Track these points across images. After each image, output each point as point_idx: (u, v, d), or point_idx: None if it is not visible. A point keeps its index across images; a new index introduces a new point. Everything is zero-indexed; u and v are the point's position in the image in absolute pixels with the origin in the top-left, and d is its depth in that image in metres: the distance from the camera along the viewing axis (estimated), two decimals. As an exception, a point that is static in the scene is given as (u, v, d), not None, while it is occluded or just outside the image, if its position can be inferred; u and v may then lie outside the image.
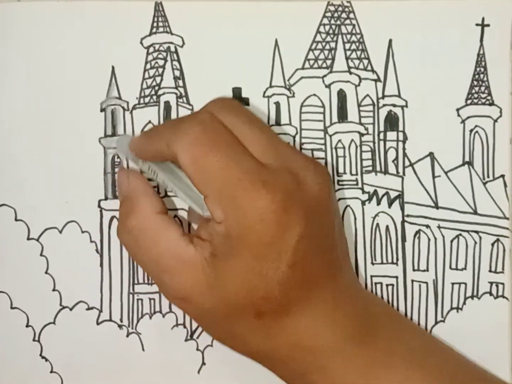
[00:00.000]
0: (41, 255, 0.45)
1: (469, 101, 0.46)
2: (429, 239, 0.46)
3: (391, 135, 0.46)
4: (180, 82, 0.46)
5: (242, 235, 0.37)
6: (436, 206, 0.46)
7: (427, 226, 0.46)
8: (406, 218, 0.46)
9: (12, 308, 0.45)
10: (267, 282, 0.37)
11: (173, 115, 0.46)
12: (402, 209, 0.46)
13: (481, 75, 0.46)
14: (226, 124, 0.39)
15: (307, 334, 0.39)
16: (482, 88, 0.46)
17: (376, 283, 0.46)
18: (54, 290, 0.45)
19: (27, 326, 0.45)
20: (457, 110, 0.46)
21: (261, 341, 0.39)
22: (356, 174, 0.46)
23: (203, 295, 0.38)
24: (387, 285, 0.46)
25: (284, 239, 0.37)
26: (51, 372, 0.46)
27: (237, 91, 0.46)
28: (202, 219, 0.41)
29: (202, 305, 0.39)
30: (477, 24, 0.46)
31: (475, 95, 0.46)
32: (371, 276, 0.46)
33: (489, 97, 0.46)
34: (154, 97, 0.46)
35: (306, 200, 0.38)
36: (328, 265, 0.39)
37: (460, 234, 0.46)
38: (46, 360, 0.45)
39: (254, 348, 0.40)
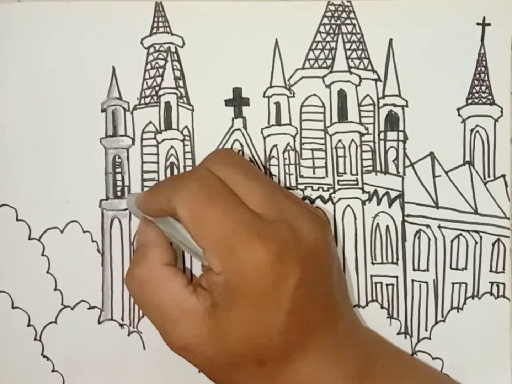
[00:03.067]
0: (42, 255, 0.45)
1: (469, 101, 0.46)
2: (429, 239, 0.46)
3: (392, 135, 0.46)
4: (181, 83, 0.46)
5: (241, 286, 0.38)
6: (437, 206, 0.46)
7: (428, 226, 0.46)
8: (406, 218, 0.46)
9: (13, 307, 0.45)
10: (267, 330, 0.38)
11: (174, 115, 0.46)
12: (403, 209, 0.46)
13: (482, 75, 0.46)
14: (223, 178, 0.40)
15: (309, 379, 0.40)
16: (483, 88, 0.46)
17: (376, 283, 0.46)
18: (55, 289, 0.46)
19: (29, 325, 0.46)
20: (458, 109, 0.46)
21: None
22: (357, 174, 0.46)
23: (204, 345, 0.39)
24: (387, 285, 0.46)
25: (281, 288, 0.38)
26: (53, 371, 0.46)
27: (237, 91, 0.46)
28: (204, 266, 0.42)
29: (204, 354, 0.40)
30: (478, 23, 0.46)
31: (476, 95, 0.46)
32: (371, 276, 0.46)
33: (490, 97, 0.46)
34: (155, 97, 0.46)
35: (301, 249, 0.39)
36: (327, 311, 0.40)
37: (461, 234, 0.46)
38: (48, 359, 0.46)
39: None
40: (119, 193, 0.46)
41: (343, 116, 0.46)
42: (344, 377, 0.40)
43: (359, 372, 0.41)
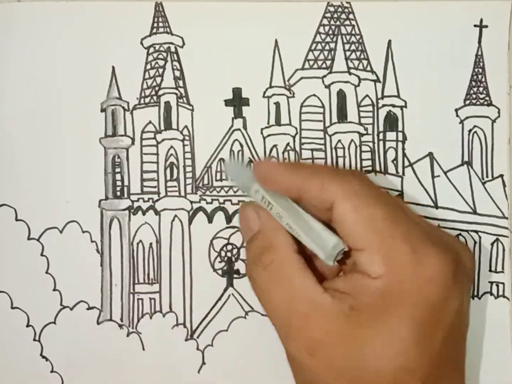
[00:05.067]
0: (41, 255, 0.45)
1: (467, 102, 0.46)
2: (428, 239, 0.46)
3: (391, 135, 0.46)
4: (180, 83, 0.46)
5: (404, 291, 0.34)
6: (436, 206, 0.46)
7: (427, 226, 0.46)
8: (405, 218, 0.46)
9: (12, 308, 0.45)
10: (419, 352, 0.33)
11: (173, 115, 0.46)
12: (402, 209, 0.46)
13: (480, 76, 0.46)
14: None
15: None
16: (481, 89, 0.46)
17: (376, 283, 0.46)
18: (54, 290, 0.45)
19: (28, 326, 0.45)
20: (456, 110, 0.46)
21: None
22: (356, 174, 0.46)
23: (333, 349, 0.34)
24: (387, 285, 0.46)
25: (448, 306, 0.34)
26: (52, 371, 0.45)
27: (237, 91, 0.46)
28: (329, 269, 0.39)
29: (331, 361, 0.34)
30: (475, 25, 0.46)
31: (474, 96, 0.46)
32: (371, 276, 0.46)
33: (487, 98, 0.46)
34: (155, 97, 0.46)
35: (465, 275, 0.36)
36: (458, 358, 0.36)
37: (460, 234, 0.46)
38: (47, 359, 0.45)
39: None
40: (118, 193, 0.46)
41: (342, 116, 0.46)
42: None
43: None
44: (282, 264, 0.37)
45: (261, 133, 0.46)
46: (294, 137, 0.46)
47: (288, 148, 0.46)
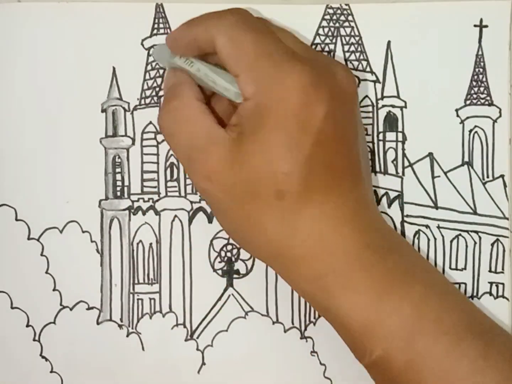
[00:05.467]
0: (41, 255, 0.45)
1: (468, 102, 0.46)
2: (428, 239, 0.46)
3: (391, 135, 0.46)
4: (181, 83, 0.46)
5: (271, 105, 0.38)
6: (436, 206, 0.46)
7: (427, 226, 0.46)
8: (405, 218, 0.46)
9: (12, 308, 0.45)
10: (290, 157, 0.38)
11: (174, 116, 0.46)
12: (402, 209, 0.46)
13: (480, 76, 0.46)
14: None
15: (326, 231, 0.39)
16: (481, 89, 0.46)
17: (376, 283, 0.46)
18: (54, 290, 0.46)
19: (27, 326, 0.45)
20: (456, 110, 0.46)
21: (277, 228, 0.39)
22: (356, 175, 0.46)
23: (226, 172, 0.39)
24: (387, 285, 0.46)
25: (311, 112, 0.38)
26: (51, 372, 0.46)
27: (237, 92, 0.46)
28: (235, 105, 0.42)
29: (225, 182, 0.39)
30: (475, 25, 0.46)
31: (474, 96, 0.46)
32: (371, 276, 0.46)
33: (488, 98, 0.46)
34: (155, 98, 0.46)
35: (334, 87, 0.39)
36: (351, 165, 0.40)
37: (460, 234, 0.46)
38: (46, 360, 0.46)
39: (268, 238, 0.39)
40: (118, 193, 0.46)
41: (342, 117, 0.46)
42: (362, 239, 0.39)
43: (380, 243, 0.40)
44: (184, 107, 0.41)
45: (261, 133, 0.46)
46: (294, 137, 0.46)
47: (288, 148, 0.46)
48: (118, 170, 0.46)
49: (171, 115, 0.41)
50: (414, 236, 0.46)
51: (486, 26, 0.46)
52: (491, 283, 0.46)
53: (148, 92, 0.46)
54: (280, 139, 0.38)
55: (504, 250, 0.46)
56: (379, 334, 0.38)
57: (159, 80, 0.46)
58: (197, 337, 0.46)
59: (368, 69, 0.46)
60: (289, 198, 0.38)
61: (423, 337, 0.38)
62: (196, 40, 0.41)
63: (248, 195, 0.39)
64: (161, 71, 0.46)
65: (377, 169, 0.46)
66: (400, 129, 0.46)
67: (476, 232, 0.46)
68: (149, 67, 0.46)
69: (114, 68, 0.46)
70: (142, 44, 0.46)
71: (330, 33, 0.46)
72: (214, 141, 0.39)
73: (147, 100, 0.46)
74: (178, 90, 0.42)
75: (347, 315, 0.39)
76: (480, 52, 0.46)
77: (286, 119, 0.38)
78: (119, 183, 0.46)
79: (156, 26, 0.46)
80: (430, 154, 0.46)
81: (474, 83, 0.46)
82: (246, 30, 0.39)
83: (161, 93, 0.46)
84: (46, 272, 0.45)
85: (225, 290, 0.46)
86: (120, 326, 0.46)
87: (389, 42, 0.46)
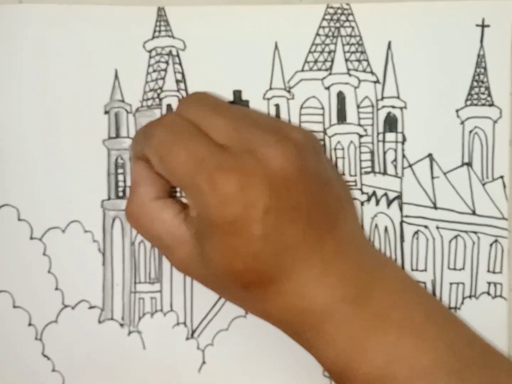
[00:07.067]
0: (44, 254, 0.46)
1: (468, 102, 0.46)
2: (427, 240, 0.46)
3: (390, 136, 0.46)
4: (182, 85, 0.46)
5: (209, 217, 0.39)
6: (435, 207, 0.46)
7: (426, 227, 0.46)
8: (404, 219, 0.46)
9: (14, 307, 0.46)
10: (242, 256, 0.39)
11: (174, 117, 0.46)
12: (401, 209, 0.46)
13: (481, 76, 0.46)
14: (192, 118, 0.41)
15: (297, 298, 0.40)
16: (482, 89, 0.46)
17: (374, 283, 0.46)
18: (56, 289, 0.46)
19: (29, 325, 0.46)
20: (457, 111, 0.46)
21: (254, 306, 0.42)
22: (355, 175, 0.46)
23: (199, 267, 0.41)
24: (385, 285, 0.46)
25: (250, 215, 0.39)
26: (53, 371, 0.46)
27: (237, 94, 0.46)
28: None
29: (198, 273, 0.42)
30: (477, 25, 0.46)
31: (475, 96, 0.46)
32: (370, 276, 0.46)
33: (489, 98, 0.46)
34: (157, 100, 0.46)
35: (268, 175, 0.39)
36: (308, 233, 0.40)
37: (459, 235, 0.46)
38: (48, 358, 0.46)
39: (252, 310, 0.43)
40: (120, 194, 0.46)
41: (342, 118, 0.46)
42: (333, 295, 0.40)
43: (353, 292, 0.40)
44: (142, 212, 0.43)
45: (261, 134, 0.46)
46: (293, 138, 0.46)
47: (288, 149, 0.46)
48: (120, 171, 0.46)
49: (132, 219, 0.43)
50: (413, 236, 0.46)
51: (488, 26, 0.46)
52: (489, 283, 0.45)
53: (150, 94, 0.46)
54: (228, 244, 0.39)
55: (502, 251, 0.46)
56: (352, 382, 0.40)
57: (160, 82, 0.46)
58: (198, 336, 0.46)
59: (368, 69, 0.46)
60: (254, 286, 0.40)
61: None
62: (143, 154, 0.42)
63: (221, 286, 0.42)
64: (162, 73, 0.46)
65: (377, 169, 0.46)
66: (400, 129, 0.46)
67: (475, 232, 0.46)
68: (150, 69, 0.46)
69: (116, 70, 0.46)
70: (144, 47, 0.46)
71: (330, 33, 0.46)
72: (177, 239, 0.42)
73: (149, 102, 0.46)
74: (133, 192, 0.43)
75: (322, 360, 0.41)
76: (481, 52, 0.46)
77: (227, 228, 0.39)
78: (121, 183, 0.46)
79: (157, 29, 0.46)
80: (430, 155, 0.46)
81: (475, 84, 0.46)
82: (174, 145, 0.40)
83: (162, 95, 0.46)
84: (49, 272, 0.46)
85: (225, 289, 0.46)
86: (121, 325, 0.46)
87: (389, 42, 0.46)
